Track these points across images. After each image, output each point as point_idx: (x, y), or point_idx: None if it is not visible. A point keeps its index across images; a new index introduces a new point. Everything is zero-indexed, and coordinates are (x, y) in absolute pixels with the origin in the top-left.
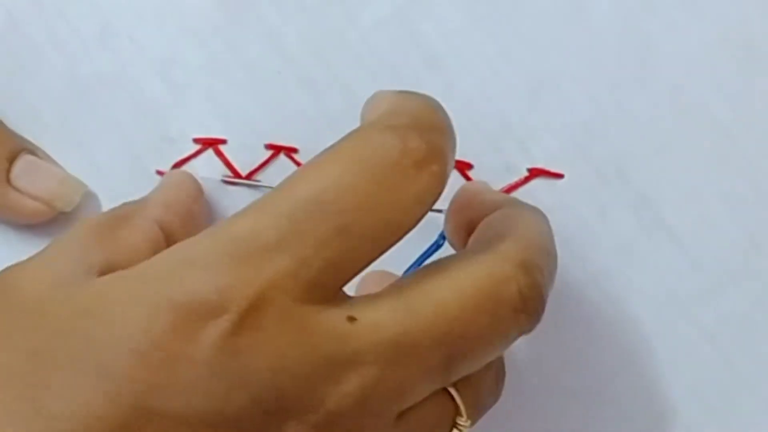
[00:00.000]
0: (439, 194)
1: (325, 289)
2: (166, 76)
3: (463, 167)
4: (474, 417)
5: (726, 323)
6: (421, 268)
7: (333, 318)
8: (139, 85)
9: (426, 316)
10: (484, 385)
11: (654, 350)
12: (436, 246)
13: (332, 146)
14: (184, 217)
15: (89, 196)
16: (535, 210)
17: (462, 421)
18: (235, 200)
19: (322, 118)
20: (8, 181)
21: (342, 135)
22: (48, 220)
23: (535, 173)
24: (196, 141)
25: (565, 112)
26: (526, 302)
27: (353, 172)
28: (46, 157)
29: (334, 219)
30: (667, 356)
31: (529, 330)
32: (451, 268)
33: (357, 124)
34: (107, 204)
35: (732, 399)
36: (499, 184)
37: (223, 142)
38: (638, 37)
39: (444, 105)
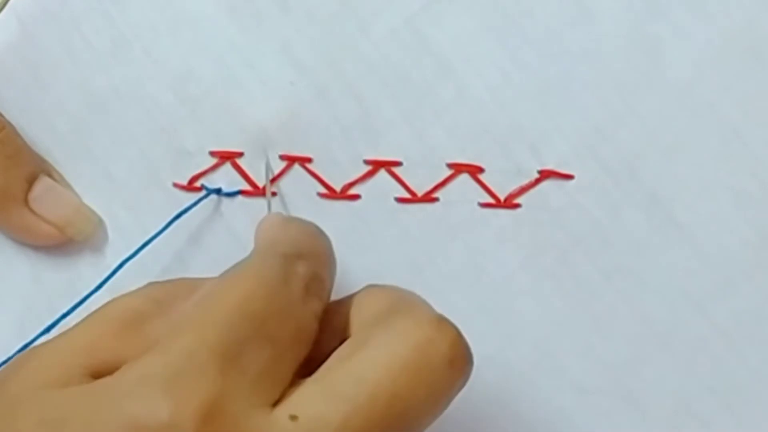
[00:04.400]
0: (322, 309)
1: (266, 392)
2: (181, 90)
3: (474, 171)
4: None
5: (739, 319)
6: (339, 348)
7: (279, 420)
8: (155, 98)
9: (362, 401)
10: None
11: (667, 347)
12: None
13: (238, 268)
14: None
15: (101, 227)
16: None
17: None
18: (252, 212)
19: (336, 127)
20: (26, 202)
21: (355, 143)
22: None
23: (545, 175)
24: (213, 154)
25: (575, 114)
26: (456, 351)
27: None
28: (62, 180)
29: (258, 328)
30: (680, 353)
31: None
32: (369, 345)
33: (370, 133)
34: (125, 220)
35: (746, 394)
36: (510, 186)
37: (240, 155)
38: (646, 40)
39: (456, 111)
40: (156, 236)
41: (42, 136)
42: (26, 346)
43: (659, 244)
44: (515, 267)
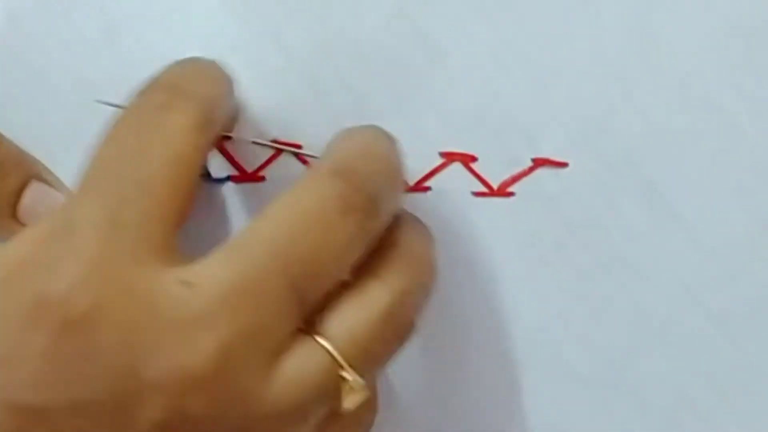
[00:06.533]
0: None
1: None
2: None
3: (468, 160)
4: (362, 368)
5: (737, 310)
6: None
7: (168, 284)
8: None
9: (259, 252)
10: (362, 329)
11: (665, 338)
12: None
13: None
14: None
15: None
16: (366, 127)
17: (347, 374)
18: (241, 197)
19: (327, 115)
20: (14, 216)
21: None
22: None
23: (539, 163)
24: None
25: (571, 104)
26: (348, 200)
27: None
28: (56, 182)
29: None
30: (678, 343)
31: (367, 225)
32: (273, 203)
33: (362, 121)
34: None
35: (745, 385)
36: (504, 175)
37: (229, 139)
38: (645, 28)
39: (449, 99)
40: None
41: (34, 128)
42: None
43: (657, 234)
44: (510, 256)
